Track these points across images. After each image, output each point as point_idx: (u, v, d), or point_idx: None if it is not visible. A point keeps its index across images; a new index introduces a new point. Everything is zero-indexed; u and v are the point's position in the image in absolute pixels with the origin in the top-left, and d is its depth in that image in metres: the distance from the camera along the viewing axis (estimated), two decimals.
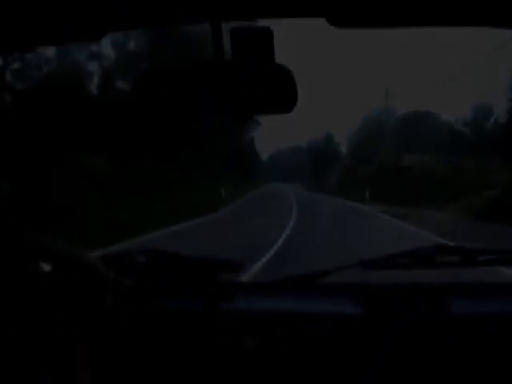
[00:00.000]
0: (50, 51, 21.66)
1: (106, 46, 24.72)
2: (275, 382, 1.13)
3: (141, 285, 1.25)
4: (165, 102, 1.02)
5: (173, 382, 1.16)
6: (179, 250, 1.34)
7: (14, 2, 0.84)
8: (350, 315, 1.19)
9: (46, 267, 1.05)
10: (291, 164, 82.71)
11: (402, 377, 1.10)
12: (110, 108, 19.09)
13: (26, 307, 1.00)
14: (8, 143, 11.80)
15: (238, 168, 32.37)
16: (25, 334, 0.98)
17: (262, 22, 0.96)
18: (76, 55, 23.85)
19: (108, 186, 14.82)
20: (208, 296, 1.23)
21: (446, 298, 1.19)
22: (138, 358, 1.15)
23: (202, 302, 1.22)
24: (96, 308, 1.10)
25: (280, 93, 0.99)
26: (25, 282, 1.02)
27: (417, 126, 39.74)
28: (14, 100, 14.57)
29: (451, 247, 1.33)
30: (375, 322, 1.14)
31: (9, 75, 17.84)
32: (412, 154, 29.45)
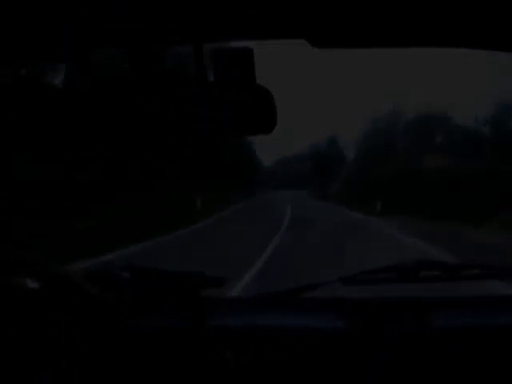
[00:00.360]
0: None
1: None
2: None
3: (124, 300, 1.27)
4: (139, 116, 1.03)
5: None
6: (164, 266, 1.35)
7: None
8: (335, 329, 1.20)
9: (32, 283, 1.13)
10: (296, 171, 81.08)
11: None
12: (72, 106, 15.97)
13: (27, 312, 1.10)
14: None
15: (227, 174, 28.16)
16: (25, 336, 1.07)
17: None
18: None
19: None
20: (189, 312, 1.24)
21: (430, 311, 1.22)
22: (118, 374, 1.16)
23: (184, 318, 1.23)
24: (76, 322, 1.14)
25: (259, 115, 1.00)
26: (11, 297, 1.11)
27: (430, 127, 36.17)
28: None
29: (433, 262, 1.35)
30: (360, 336, 1.15)
31: None
32: (434, 155, 24.93)
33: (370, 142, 38.17)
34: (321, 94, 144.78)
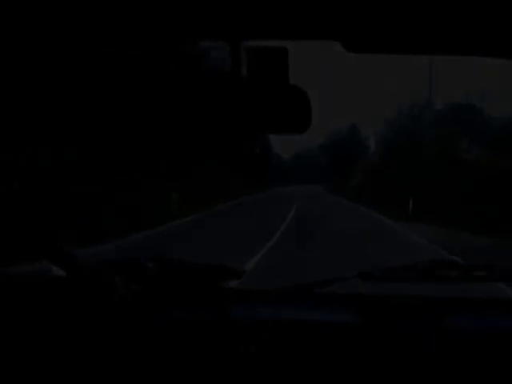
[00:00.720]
0: None
1: None
2: None
3: (150, 291, 1.29)
4: (165, 108, 1.08)
5: None
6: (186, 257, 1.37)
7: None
8: (349, 324, 1.22)
9: (57, 272, 1.18)
10: (318, 163, 76.01)
11: None
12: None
13: (51, 301, 1.15)
14: (15, 141, 11.10)
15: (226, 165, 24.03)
16: (47, 325, 1.11)
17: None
18: None
19: None
20: (209, 304, 1.27)
21: (444, 311, 1.25)
22: (140, 364, 1.15)
23: (207, 309, 1.26)
24: (101, 312, 1.16)
25: (293, 114, 1.02)
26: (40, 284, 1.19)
27: (464, 117, 32.03)
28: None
29: (449, 262, 1.37)
30: (373, 332, 1.17)
31: None
32: (475, 145, 20.45)
33: (394, 130, 34.28)
34: (343, 79, 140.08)
